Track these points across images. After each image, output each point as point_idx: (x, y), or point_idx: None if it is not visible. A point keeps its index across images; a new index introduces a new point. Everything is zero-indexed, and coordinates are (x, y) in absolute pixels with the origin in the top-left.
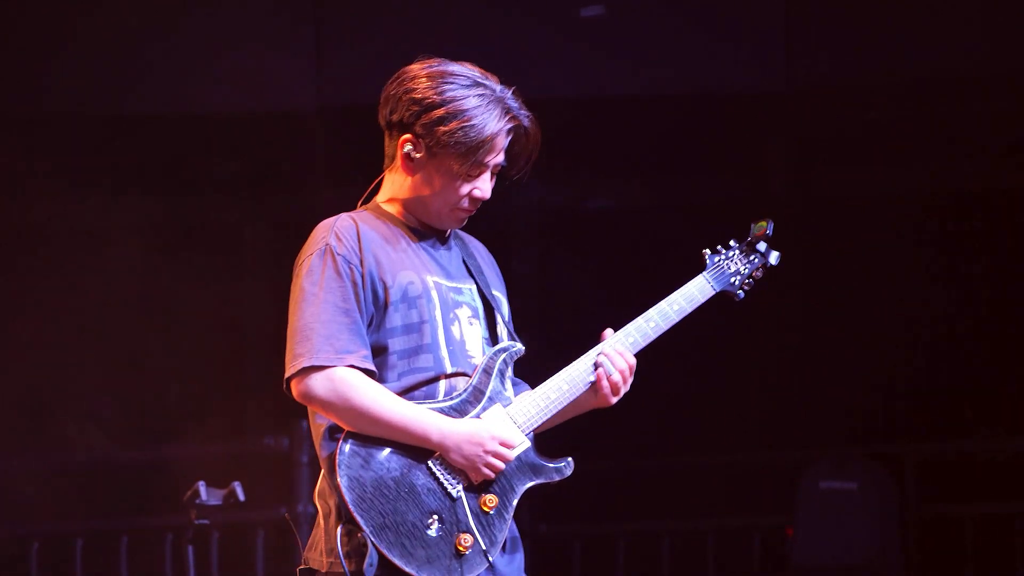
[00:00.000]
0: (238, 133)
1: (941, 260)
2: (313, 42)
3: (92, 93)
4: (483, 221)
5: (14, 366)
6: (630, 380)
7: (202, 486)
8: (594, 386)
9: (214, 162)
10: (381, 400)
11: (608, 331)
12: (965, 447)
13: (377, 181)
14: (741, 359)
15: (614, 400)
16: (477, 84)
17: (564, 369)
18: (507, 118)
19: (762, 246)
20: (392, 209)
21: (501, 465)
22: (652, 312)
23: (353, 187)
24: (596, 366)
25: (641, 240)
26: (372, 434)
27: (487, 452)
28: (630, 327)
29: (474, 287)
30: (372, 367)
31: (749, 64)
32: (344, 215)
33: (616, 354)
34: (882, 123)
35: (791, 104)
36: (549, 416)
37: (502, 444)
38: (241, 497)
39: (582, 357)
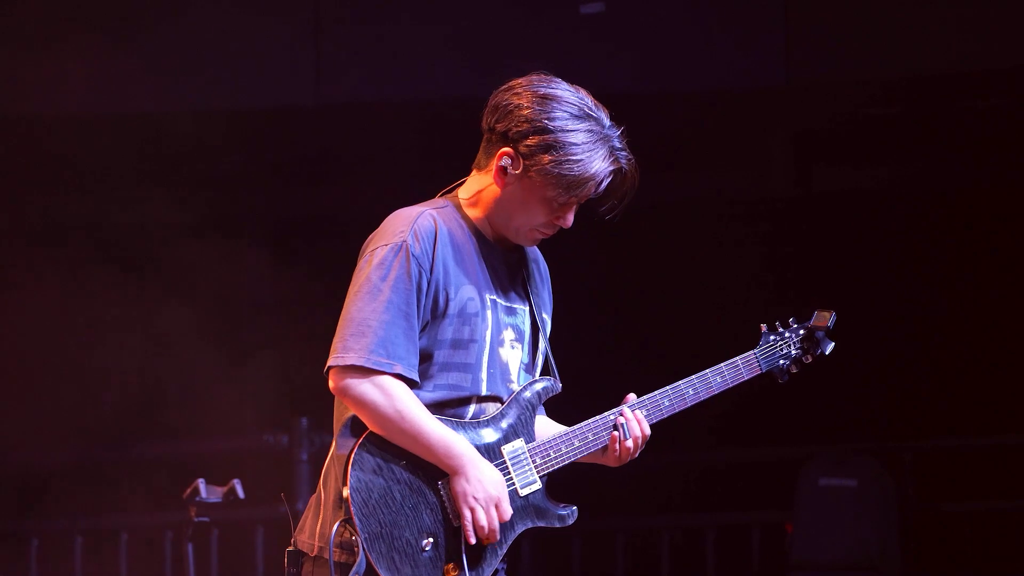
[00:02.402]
0: (237, 131)
1: (941, 256)
2: (312, 40)
3: (90, 92)
4: None
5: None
6: (641, 448)
7: (202, 484)
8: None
9: (213, 159)
10: (412, 412)
11: (631, 396)
12: (964, 444)
13: (461, 181)
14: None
15: (618, 464)
16: (588, 116)
17: (591, 420)
18: (610, 160)
19: (820, 335)
20: (472, 213)
21: (470, 526)
22: (694, 379)
23: (355, 186)
24: (614, 427)
25: (641, 238)
26: (395, 443)
27: (477, 501)
28: (667, 390)
29: (527, 309)
30: (416, 378)
31: (748, 60)
32: (427, 211)
33: (635, 420)
34: (882, 119)
35: (790, 100)
36: (568, 462)
37: (496, 507)
38: (241, 495)
39: (608, 412)
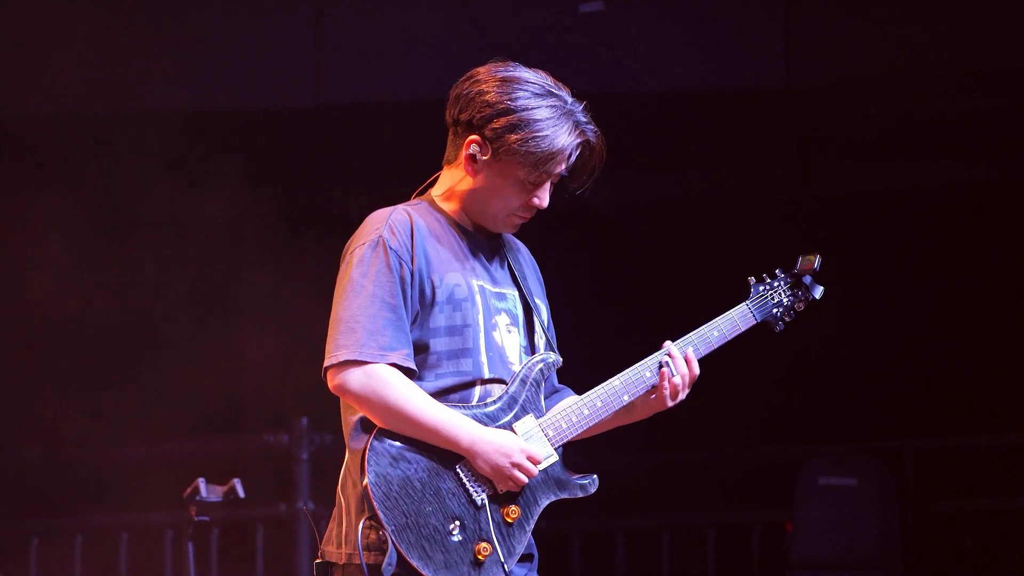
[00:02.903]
0: (238, 130)
1: (942, 256)
2: (312, 38)
3: (92, 90)
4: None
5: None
6: (687, 390)
7: (202, 483)
8: (651, 390)
9: (214, 158)
10: (415, 400)
11: (668, 343)
12: (964, 442)
13: (435, 177)
14: (741, 355)
15: (671, 404)
16: (550, 94)
17: (597, 388)
18: (576, 132)
19: (808, 279)
20: (448, 207)
21: (524, 479)
22: (692, 336)
23: (355, 184)
24: (661, 365)
25: (642, 237)
26: (403, 433)
27: (514, 464)
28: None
29: (516, 294)
30: (413, 366)
31: (749, 60)
32: (400, 207)
33: (681, 358)
34: (882, 119)
35: (791, 100)
36: (580, 432)
37: (529, 458)
38: (241, 494)
39: (634, 367)
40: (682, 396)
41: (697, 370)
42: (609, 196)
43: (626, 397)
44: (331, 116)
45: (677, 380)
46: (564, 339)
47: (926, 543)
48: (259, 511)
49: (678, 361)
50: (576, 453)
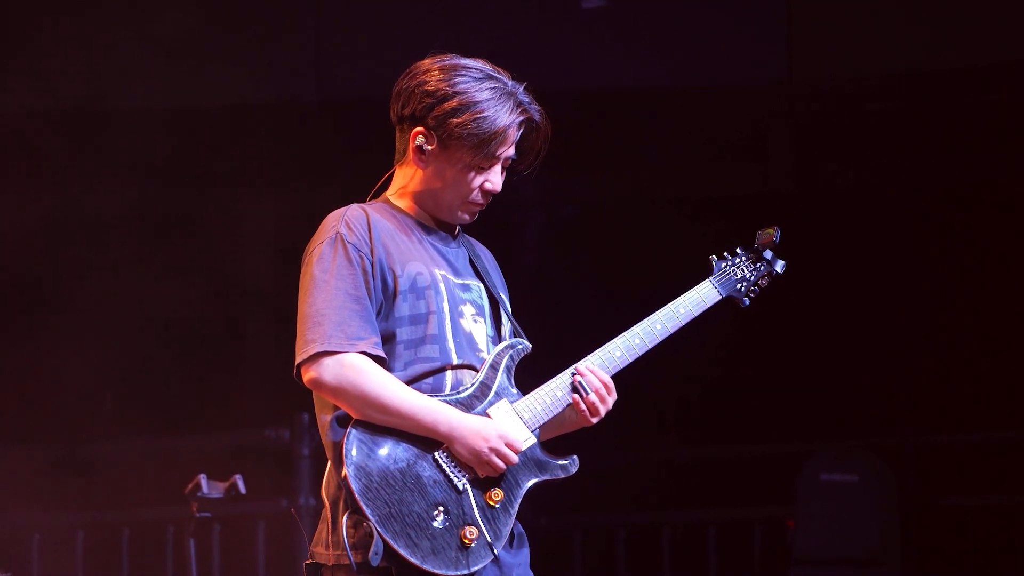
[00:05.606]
0: (238, 124)
1: (942, 251)
2: (314, 33)
3: (91, 86)
4: (482, 213)
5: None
6: (610, 399)
7: (203, 479)
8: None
9: (214, 154)
10: (391, 388)
11: (580, 363)
12: (966, 438)
13: (387, 176)
14: (741, 351)
15: (594, 420)
16: (489, 77)
17: (566, 370)
18: (518, 111)
19: (768, 254)
20: (403, 203)
21: (502, 465)
22: (659, 314)
23: (356, 178)
24: (573, 388)
25: (641, 233)
26: (380, 422)
27: (491, 449)
28: (635, 329)
29: (481, 285)
30: (383, 354)
31: (751, 55)
32: (355, 205)
33: (590, 373)
34: (883, 115)
35: (792, 95)
36: (556, 413)
37: (508, 444)
38: (242, 490)
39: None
40: (606, 408)
41: (607, 379)
42: (608, 191)
43: (576, 394)
44: (332, 111)
45: (592, 398)
46: (560, 336)
47: (928, 539)
48: (261, 507)
49: (588, 378)
50: (576, 451)
